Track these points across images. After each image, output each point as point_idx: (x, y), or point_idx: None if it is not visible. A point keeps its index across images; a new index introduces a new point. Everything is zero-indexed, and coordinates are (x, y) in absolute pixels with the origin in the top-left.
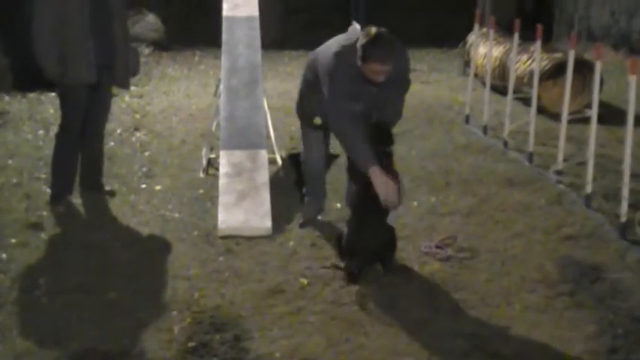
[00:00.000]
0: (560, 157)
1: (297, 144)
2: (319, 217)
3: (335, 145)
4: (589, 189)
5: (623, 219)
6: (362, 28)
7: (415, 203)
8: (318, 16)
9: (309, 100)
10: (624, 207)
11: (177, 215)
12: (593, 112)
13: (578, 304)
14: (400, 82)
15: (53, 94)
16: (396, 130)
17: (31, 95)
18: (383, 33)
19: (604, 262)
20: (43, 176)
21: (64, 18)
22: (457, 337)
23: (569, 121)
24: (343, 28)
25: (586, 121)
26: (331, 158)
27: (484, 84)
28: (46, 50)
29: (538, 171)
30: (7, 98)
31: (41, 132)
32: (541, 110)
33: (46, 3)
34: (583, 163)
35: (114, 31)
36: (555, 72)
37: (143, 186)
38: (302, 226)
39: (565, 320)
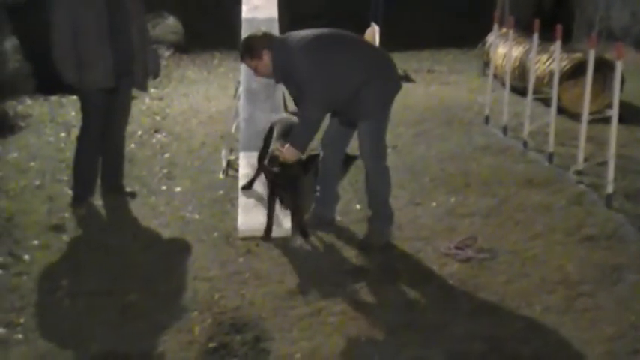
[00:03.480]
0: (581, 157)
1: (317, 145)
2: (338, 218)
3: (353, 147)
4: (610, 189)
5: None
6: (381, 29)
7: (434, 204)
8: (339, 18)
9: None
10: None
11: (197, 217)
12: (614, 112)
13: (598, 305)
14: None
15: (75, 97)
16: (415, 130)
17: (53, 98)
18: (248, 35)
19: (625, 263)
20: (65, 178)
21: (81, 23)
22: (476, 338)
23: (590, 122)
24: (362, 30)
25: (606, 121)
26: (350, 160)
27: (504, 84)
28: (63, 56)
29: (558, 171)
30: (29, 101)
31: (63, 134)
32: (561, 110)
33: (62, 9)
34: (603, 164)
35: (131, 35)
36: (575, 72)
37: (163, 188)
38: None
39: (585, 321)
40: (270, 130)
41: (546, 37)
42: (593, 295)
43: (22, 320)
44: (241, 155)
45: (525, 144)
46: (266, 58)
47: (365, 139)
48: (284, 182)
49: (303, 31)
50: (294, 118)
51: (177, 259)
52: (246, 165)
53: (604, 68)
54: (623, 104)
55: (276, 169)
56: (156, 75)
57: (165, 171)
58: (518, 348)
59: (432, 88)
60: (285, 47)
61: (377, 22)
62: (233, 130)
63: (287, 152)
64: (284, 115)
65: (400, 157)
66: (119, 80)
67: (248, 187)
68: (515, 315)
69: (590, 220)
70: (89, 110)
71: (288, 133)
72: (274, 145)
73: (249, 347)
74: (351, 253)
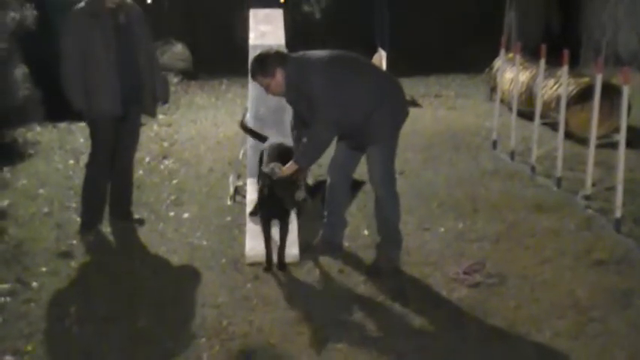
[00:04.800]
0: (589, 181)
1: (324, 171)
2: (346, 244)
3: (361, 172)
4: (618, 214)
5: None
6: (387, 54)
7: (442, 229)
8: (345, 43)
9: None
10: None
11: (205, 243)
12: (622, 137)
13: (609, 330)
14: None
15: (83, 123)
16: (423, 155)
17: (62, 125)
18: (260, 53)
19: (635, 288)
20: (74, 205)
21: (90, 51)
22: None
23: (597, 146)
24: (369, 54)
25: (614, 145)
26: (357, 185)
27: (511, 109)
28: (72, 84)
29: (566, 196)
30: (38, 129)
31: (71, 161)
32: (569, 135)
33: (71, 37)
34: (612, 188)
35: (140, 63)
36: (582, 97)
37: (171, 214)
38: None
39: (596, 347)
40: (262, 156)
41: (553, 62)
42: (604, 321)
43: (29, 347)
44: (249, 181)
45: (533, 169)
46: (279, 76)
47: (375, 165)
48: (282, 190)
49: (318, 52)
50: (288, 142)
51: (185, 286)
52: (253, 191)
53: (611, 93)
54: (630, 129)
55: (277, 171)
56: (165, 101)
57: (173, 197)
58: None
59: (440, 113)
60: (301, 66)
61: (384, 48)
62: (241, 156)
63: (288, 170)
64: (276, 140)
65: (408, 182)
66: (128, 107)
67: (255, 213)
68: (525, 340)
69: (599, 244)
70: (98, 137)
71: (283, 156)
72: (273, 164)
73: None
74: (359, 279)
